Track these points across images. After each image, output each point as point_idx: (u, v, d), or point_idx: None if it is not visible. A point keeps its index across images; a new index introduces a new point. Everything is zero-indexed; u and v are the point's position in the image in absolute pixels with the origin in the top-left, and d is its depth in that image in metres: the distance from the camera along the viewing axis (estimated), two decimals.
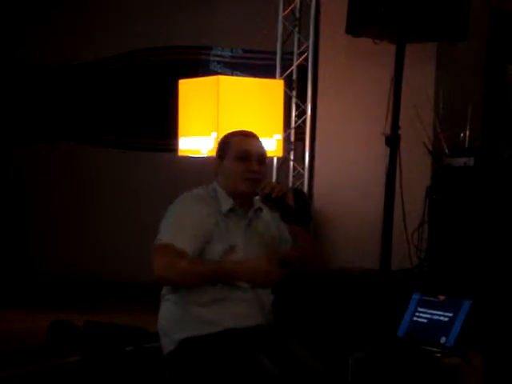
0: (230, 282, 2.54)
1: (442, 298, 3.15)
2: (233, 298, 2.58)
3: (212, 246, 2.56)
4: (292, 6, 5.16)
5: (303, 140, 5.10)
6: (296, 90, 5.18)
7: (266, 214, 2.71)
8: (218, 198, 2.64)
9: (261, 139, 4.37)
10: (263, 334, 2.61)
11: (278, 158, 5.06)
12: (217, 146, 2.76)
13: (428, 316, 3.13)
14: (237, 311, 2.59)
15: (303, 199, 4.78)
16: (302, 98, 5.14)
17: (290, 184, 5.15)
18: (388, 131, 3.43)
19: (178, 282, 2.53)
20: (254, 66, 5.71)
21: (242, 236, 2.63)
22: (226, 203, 2.63)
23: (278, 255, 2.63)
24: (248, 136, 2.70)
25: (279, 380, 2.41)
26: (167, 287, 2.64)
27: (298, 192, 4.85)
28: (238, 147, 2.65)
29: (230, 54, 5.94)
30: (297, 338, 2.68)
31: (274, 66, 5.18)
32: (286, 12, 5.15)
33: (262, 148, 2.71)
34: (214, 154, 4.34)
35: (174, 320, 2.59)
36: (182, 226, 2.54)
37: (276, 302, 2.80)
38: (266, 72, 5.26)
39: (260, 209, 2.70)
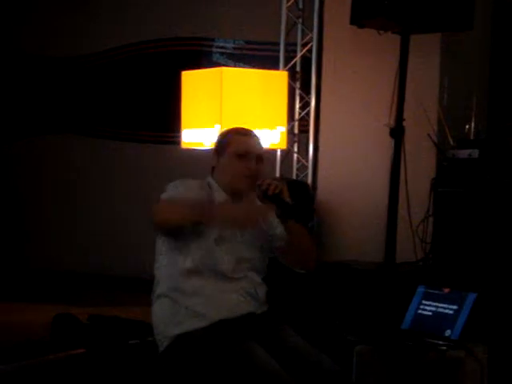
0: (212, 221, 2.50)
1: (446, 290, 3.14)
2: (223, 289, 2.59)
3: (204, 233, 2.57)
4: None
5: (307, 132, 5.08)
6: (300, 82, 5.16)
7: None
8: (212, 191, 2.67)
9: (264, 131, 4.46)
10: (257, 323, 2.60)
11: (282, 151, 5.04)
12: (215, 141, 2.77)
13: (433, 309, 3.12)
14: (228, 301, 2.59)
15: (307, 191, 4.77)
16: (305, 89, 5.11)
17: (294, 176, 5.13)
18: (392, 123, 3.42)
19: (169, 216, 2.50)
20: (257, 57, 5.68)
21: (229, 230, 2.63)
22: (220, 196, 2.65)
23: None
24: (247, 135, 2.72)
25: (276, 372, 2.39)
26: (158, 284, 2.65)
27: (301, 184, 4.84)
28: (237, 145, 2.65)
29: (233, 45, 5.91)
30: (297, 329, 2.67)
31: (277, 58, 5.16)
32: (290, 3, 5.12)
33: (261, 147, 2.72)
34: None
35: (167, 316, 2.59)
36: (179, 193, 2.57)
37: (278, 294, 2.80)
38: (269, 63, 5.23)
39: None
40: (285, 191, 2.60)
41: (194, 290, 2.58)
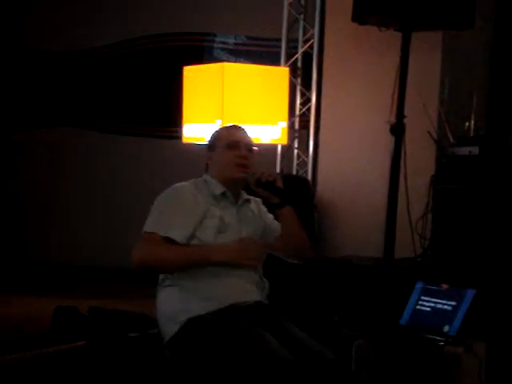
0: (208, 264, 2.59)
1: (445, 286, 3.15)
2: (233, 274, 2.64)
3: (205, 225, 2.65)
4: None
5: (307, 128, 5.09)
6: (301, 78, 5.16)
7: (253, 205, 2.84)
8: (210, 186, 2.76)
9: (265, 126, 4.47)
10: (264, 312, 2.65)
11: (283, 146, 5.05)
12: (208, 141, 2.88)
13: (431, 305, 3.14)
14: (238, 287, 2.65)
15: (307, 187, 4.78)
16: (306, 85, 5.12)
17: (294, 172, 5.14)
18: (393, 120, 3.43)
19: (155, 267, 2.61)
20: (259, 53, 5.68)
21: (234, 218, 2.73)
22: (219, 188, 2.75)
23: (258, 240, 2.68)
24: (235, 127, 2.86)
25: (290, 360, 2.42)
26: (166, 274, 2.68)
27: (301, 180, 4.85)
28: (226, 137, 2.78)
29: (234, 41, 5.91)
30: (296, 324, 2.71)
31: (279, 54, 5.16)
32: None
33: (249, 138, 2.84)
34: None
35: (177, 303, 2.63)
36: (169, 216, 2.64)
37: (277, 289, 2.83)
38: (270, 59, 5.24)
39: (248, 200, 2.82)
40: (278, 179, 2.71)
41: (204, 275, 2.62)
